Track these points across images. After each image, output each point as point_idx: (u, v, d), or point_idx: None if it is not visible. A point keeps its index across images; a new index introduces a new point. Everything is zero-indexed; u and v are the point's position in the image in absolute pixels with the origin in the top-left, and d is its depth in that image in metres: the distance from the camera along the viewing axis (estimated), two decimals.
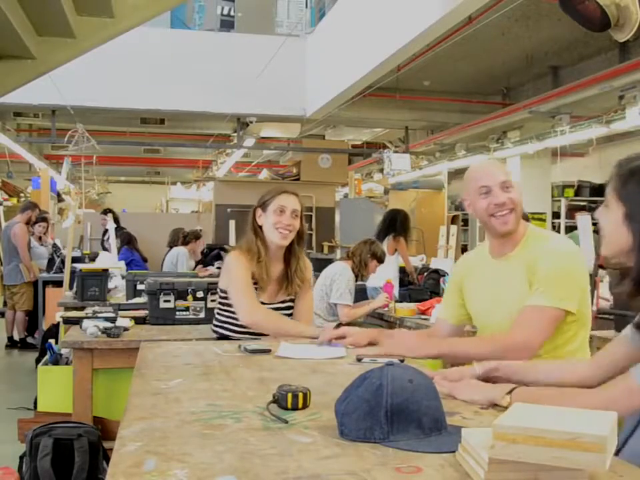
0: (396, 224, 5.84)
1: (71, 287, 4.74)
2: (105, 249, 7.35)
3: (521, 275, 1.98)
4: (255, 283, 2.49)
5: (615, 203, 1.34)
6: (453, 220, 12.41)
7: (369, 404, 1.22)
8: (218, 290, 2.62)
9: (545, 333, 1.90)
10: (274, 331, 2.39)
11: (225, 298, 2.54)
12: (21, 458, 2.86)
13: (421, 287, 4.64)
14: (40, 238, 7.72)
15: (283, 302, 2.59)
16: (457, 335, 2.25)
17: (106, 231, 7.69)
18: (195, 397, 1.53)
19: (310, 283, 2.70)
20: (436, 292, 4.35)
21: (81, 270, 4.18)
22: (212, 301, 3.37)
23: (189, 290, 3.35)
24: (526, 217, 2.36)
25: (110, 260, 5.40)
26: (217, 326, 2.59)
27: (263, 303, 2.51)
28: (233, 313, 2.50)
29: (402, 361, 1.92)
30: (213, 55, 7.99)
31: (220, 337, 2.57)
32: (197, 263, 7.49)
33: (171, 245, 7.66)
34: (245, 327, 2.46)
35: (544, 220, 9.34)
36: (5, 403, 4.50)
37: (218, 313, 2.60)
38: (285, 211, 2.51)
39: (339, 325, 2.42)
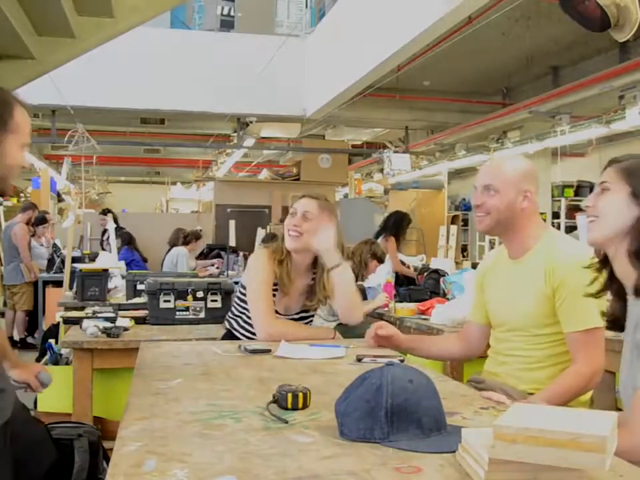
0: (389, 223, 5.87)
1: (71, 287, 4.73)
2: (104, 249, 7.35)
3: (536, 279, 1.98)
4: (276, 285, 2.42)
5: (618, 184, 1.40)
6: (453, 220, 12.40)
7: (369, 404, 1.22)
8: (239, 283, 2.59)
9: (603, 351, 1.94)
10: (291, 340, 2.29)
11: (243, 294, 2.51)
12: None
13: (421, 287, 4.63)
14: (39, 237, 7.72)
15: (297, 313, 2.52)
16: (486, 336, 2.23)
17: (105, 231, 7.70)
18: (195, 396, 1.53)
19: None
20: (436, 292, 4.33)
21: (80, 270, 4.18)
22: (212, 301, 3.37)
23: (189, 290, 3.34)
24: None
25: (110, 260, 5.40)
26: (230, 317, 2.59)
27: (277, 313, 2.44)
28: (246, 307, 2.49)
29: (402, 361, 1.92)
30: (213, 55, 8.00)
31: (228, 330, 2.57)
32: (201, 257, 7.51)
33: (172, 244, 7.67)
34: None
35: (544, 220, 9.36)
36: None
37: (233, 306, 2.61)
38: (296, 212, 2.42)
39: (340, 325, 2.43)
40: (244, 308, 2.51)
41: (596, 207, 1.45)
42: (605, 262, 1.49)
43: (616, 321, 1.48)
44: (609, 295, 1.53)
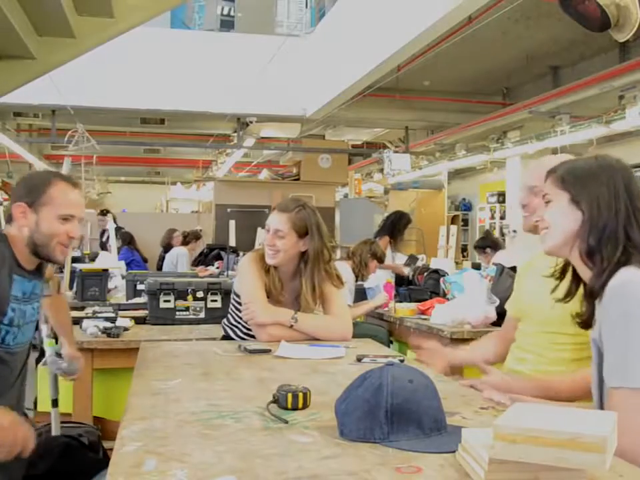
0: (387, 223, 5.88)
1: (71, 287, 4.74)
2: (104, 249, 7.34)
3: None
4: (268, 292, 2.40)
5: (557, 194, 1.49)
6: (453, 220, 12.41)
7: (369, 404, 1.22)
8: (232, 291, 2.58)
9: None
10: (289, 340, 2.29)
11: (238, 302, 2.50)
12: None
13: (421, 287, 4.63)
14: None
15: None
16: None
17: (103, 232, 7.70)
18: (195, 396, 1.53)
19: (329, 293, 2.47)
20: (436, 292, 4.34)
21: (81, 270, 4.18)
22: (212, 301, 3.37)
23: (189, 290, 3.35)
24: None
25: (110, 260, 5.39)
26: (227, 325, 2.58)
27: None
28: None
29: (402, 361, 1.92)
30: (213, 55, 7.99)
31: (226, 336, 2.56)
32: (198, 263, 7.50)
33: (164, 245, 7.67)
34: (252, 332, 2.44)
35: None
36: None
37: (229, 314, 2.59)
38: (270, 229, 2.42)
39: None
40: (240, 316, 2.48)
41: (544, 219, 1.54)
42: (565, 269, 1.58)
43: (586, 321, 1.52)
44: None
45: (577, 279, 1.53)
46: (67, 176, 1.98)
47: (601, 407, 1.38)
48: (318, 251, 2.41)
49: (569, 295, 1.56)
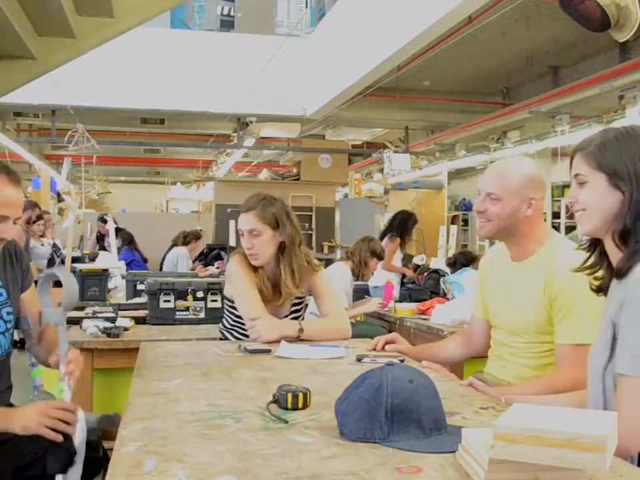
0: (394, 223, 5.87)
1: None
2: (104, 249, 7.35)
3: (535, 287, 1.94)
4: (260, 291, 2.40)
5: (593, 174, 1.44)
6: (453, 220, 12.41)
7: (369, 404, 1.22)
8: (224, 295, 2.58)
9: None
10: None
11: (231, 306, 2.50)
12: None
13: (421, 287, 4.63)
14: (40, 236, 7.68)
15: (286, 316, 2.48)
16: (488, 332, 2.19)
17: (101, 236, 7.72)
18: (194, 397, 1.53)
19: (320, 289, 2.50)
20: (436, 292, 4.34)
21: (80, 270, 4.18)
22: (212, 301, 3.37)
23: (189, 290, 3.34)
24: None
25: (110, 260, 5.40)
26: (223, 329, 2.57)
27: None
28: (239, 318, 2.47)
29: (402, 361, 1.92)
30: (213, 55, 7.99)
31: (225, 339, 2.55)
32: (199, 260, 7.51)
33: (174, 244, 7.67)
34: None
35: (544, 220, 9.36)
36: None
37: (224, 318, 2.58)
38: (243, 233, 2.43)
39: None
40: (234, 320, 2.49)
41: (579, 201, 1.47)
42: (594, 242, 1.52)
43: (599, 287, 1.50)
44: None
45: (605, 254, 1.48)
46: (10, 170, 1.75)
47: (603, 389, 1.36)
48: (292, 237, 2.43)
49: (592, 267, 1.52)
